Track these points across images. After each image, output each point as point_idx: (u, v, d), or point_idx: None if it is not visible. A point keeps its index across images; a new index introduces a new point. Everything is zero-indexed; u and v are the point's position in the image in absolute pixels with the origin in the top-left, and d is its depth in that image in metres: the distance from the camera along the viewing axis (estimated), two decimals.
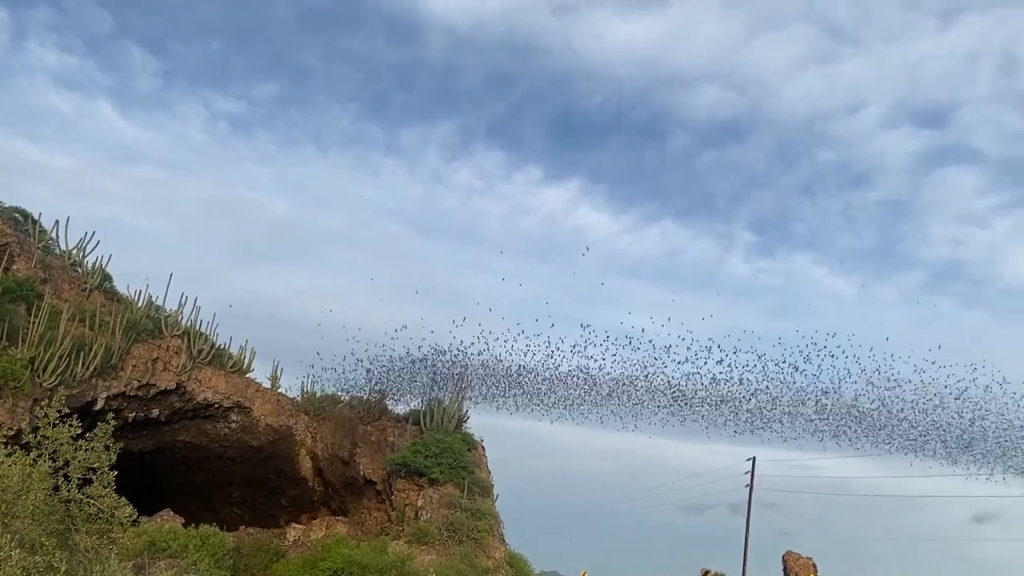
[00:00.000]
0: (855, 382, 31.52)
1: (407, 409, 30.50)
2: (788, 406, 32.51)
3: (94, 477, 13.30)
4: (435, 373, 30.58)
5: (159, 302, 26.36)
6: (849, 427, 32.91)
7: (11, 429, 18.96)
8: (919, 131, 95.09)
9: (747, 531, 44.83)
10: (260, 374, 28.73)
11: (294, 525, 27.15)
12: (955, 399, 30.34)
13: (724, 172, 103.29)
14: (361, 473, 28.32)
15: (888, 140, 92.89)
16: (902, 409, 31.59)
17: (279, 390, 29.23)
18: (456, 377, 30.38)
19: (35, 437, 13.34)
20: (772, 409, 32.81)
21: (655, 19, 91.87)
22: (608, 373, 32.03)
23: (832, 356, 31.07)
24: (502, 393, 31.64)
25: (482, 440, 29.29)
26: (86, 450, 13.35)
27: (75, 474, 13.09)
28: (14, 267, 23.59)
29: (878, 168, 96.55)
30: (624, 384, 32.16)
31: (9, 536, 10.55)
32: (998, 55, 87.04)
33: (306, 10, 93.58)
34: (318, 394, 30.45)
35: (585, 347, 31.45)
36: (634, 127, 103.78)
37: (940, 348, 30.04)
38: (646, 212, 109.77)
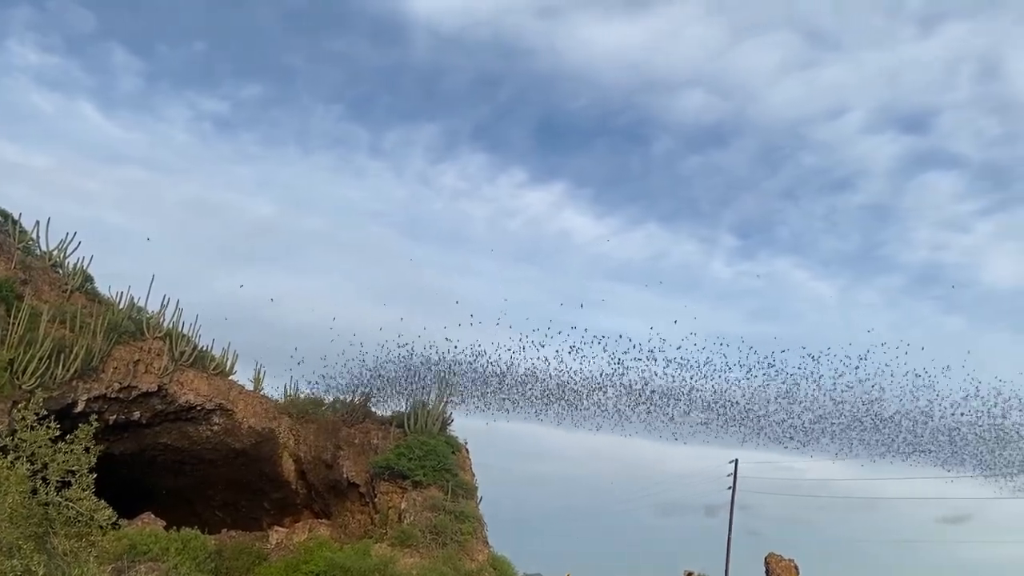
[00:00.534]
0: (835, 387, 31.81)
1: (391, 412, 30.42)
2: (764, 408, 32.72)
3: (73, 480, 13.21)
4: (419, 375, 30.54)
5: (141, 304, 26.16)
6: (826, 430, 33.15)
7: None
8: (901, 136, 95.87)
9: (729, 532, 45.07)
10: (243, 376, 28.61)
11: (277, 528, 27.00)
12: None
13: (708, 176, 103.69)
14: (344, 476, 28.21)
15: (870, 145, 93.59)
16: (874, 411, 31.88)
17: (262, 392, 29.07)
18: (440, 379, 30.35)
19: (12, 440, 13.22)
20: (750, 410, 33.00)
21: (640, 23, 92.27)
22: (592, 375, 32.09)
23: (814, 359, 31.32)
24: (486, 395, 31.60)
25: (466, 442, 29.28)
26: (65, 453, 13.26)
27: (54, 477, 13.01)
28: None
29: (861, 172, 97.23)
30: (608, 386, 32.20)
31: None
32: (977, 62, 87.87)
33: (291, 11, 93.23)
34: (301, 396, 30.30)
35: (571, 349, 31.53)
36: (618, 131, 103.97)
37: (923, 350, 30.35)
38: (630, 215, 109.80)
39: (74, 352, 21.82)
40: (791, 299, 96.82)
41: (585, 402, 32.58)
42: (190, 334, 26.56)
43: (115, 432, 24.43)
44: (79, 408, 22.28)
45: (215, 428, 27.24)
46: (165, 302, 26.27)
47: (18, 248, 24.38)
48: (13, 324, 20.99)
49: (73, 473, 13.16)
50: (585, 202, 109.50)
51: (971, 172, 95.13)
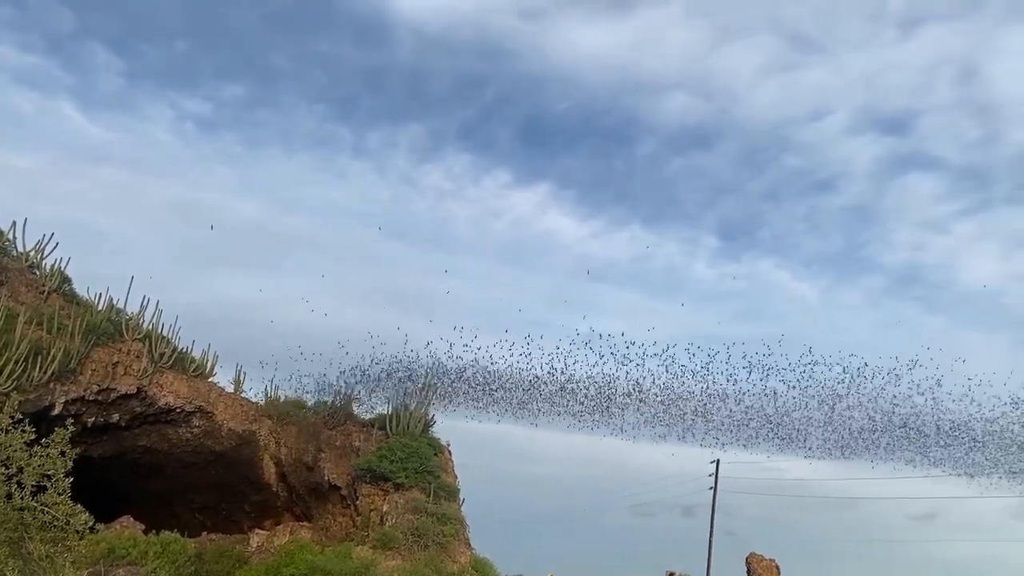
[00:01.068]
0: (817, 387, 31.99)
1: (373, 413, 30.27)
2: (742, 408, 32.91)
3: (49, 484, 13.06)
4: (401, 377, 30.43)
5: (120, 305, 25.94)
6: (806, 431, 33.39)
7: None
8: (882, 138, 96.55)
9: (711, 533, 45.28)
10: (223, 378, 28.40)
11: (257, 531, 26.86)
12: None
13: (692, 178, 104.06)
14: (326, 478, 28.08)
15: (852, 147, 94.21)
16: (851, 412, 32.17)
17: (242, 395, 28.88)
18: (423, 381, 30.25)
19: None
20: (730, 412, 33.18)
21: (623, 25, 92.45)
22: (575, 375, 32.11)
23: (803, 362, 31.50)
24: (468, 396, 31.55)
25: (448, 444, 29.20)
26: (41, 457, 13.11)
27: (29, 481, 12.85)
28: None
29: (842, 174, 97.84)
30: (590, 386, 32.23)
31: None
32: (956, 65, 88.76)
33: (273, 11, 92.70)
34: (282, 399, 30.13)
35: (555, 350, 31.55)
36: (603, 132, 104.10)
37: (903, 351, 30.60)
38: (614, 217, 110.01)
39: (51, 354, 21.60)
40: (774, 300, 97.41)
41: (566, 402, 32.60)
42: (170, 336, 26.40)
43: (93, 435, 24.21)
44: (56, 411, 22.06)
45: (195, 430, 27.05)
46: (145, 303, 26.10)
47: None
48: None
49: (49, 477, 13.02)
50: (569, 203, 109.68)
51: (951, 174, 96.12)
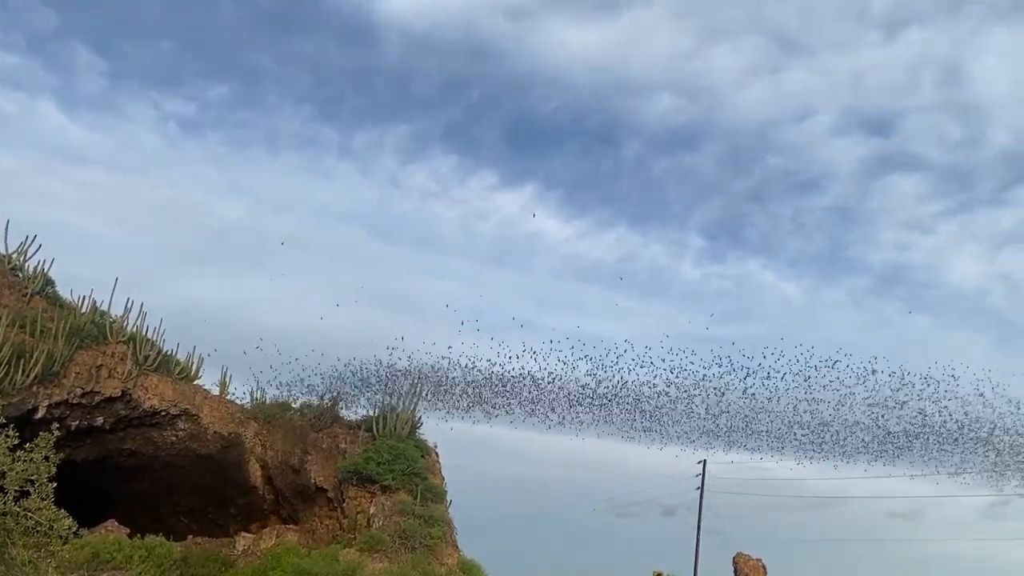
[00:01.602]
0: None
1: (359, 415, 30.19)
2: (726, 407, 33.11)
3: (32, 489, 12.95)
4: (388, 378, 30.39)
5: (104, 307, 25.74)
6: (789, 431, 33.62)
7: None
8: (866, 139, 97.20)
9: (698, 532, 45.45)
10: (208, 381, 28.26)
11: (243, 534, 26.72)
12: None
13: (677, 178, 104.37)
14: (312, 481, 27.97)
15: (837, 147, 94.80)
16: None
17: (228, 397, 28.73)
18: (410, 382, 30.22)
19: None
20: (714, 411, 33.38)
21: (609, 26, 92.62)
22: (561, 376, 32.20)
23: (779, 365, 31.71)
24: (455, 397, 31.57)
25: (435, 446, 29.15)
26: (24, 461, 12.99)
27: (12, 486, 12.73)
28: None
29: (827, 175, 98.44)
30: (576, 388, 32.33)
31: None
32: (939, 66, 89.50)
33: (258, 11, 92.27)
34: (268, 401, 29.99)
35: (541, 351, 31.64)
36: (588, 133, 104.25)
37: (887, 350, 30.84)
38: (600, 218, 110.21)
39: (34, 357, 21.44)
40: (760, 300, 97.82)
41: (553, 403, 32.70)
42: (155, 338, 26.24)
43: (77, 438, 24.02)
44: (40, 414, 21.89)
45: (180, 433, 26.90)
46: (129, 306, 25.94)
47: None
48: None
49: (32, 482, 12.90)
50: (555, 204, 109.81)
51: (935, 174, 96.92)
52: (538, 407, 32.64)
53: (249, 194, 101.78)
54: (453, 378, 31.39)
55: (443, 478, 28.15)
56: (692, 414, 33.58)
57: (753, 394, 32.42)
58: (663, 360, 32.37)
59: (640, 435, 34.55)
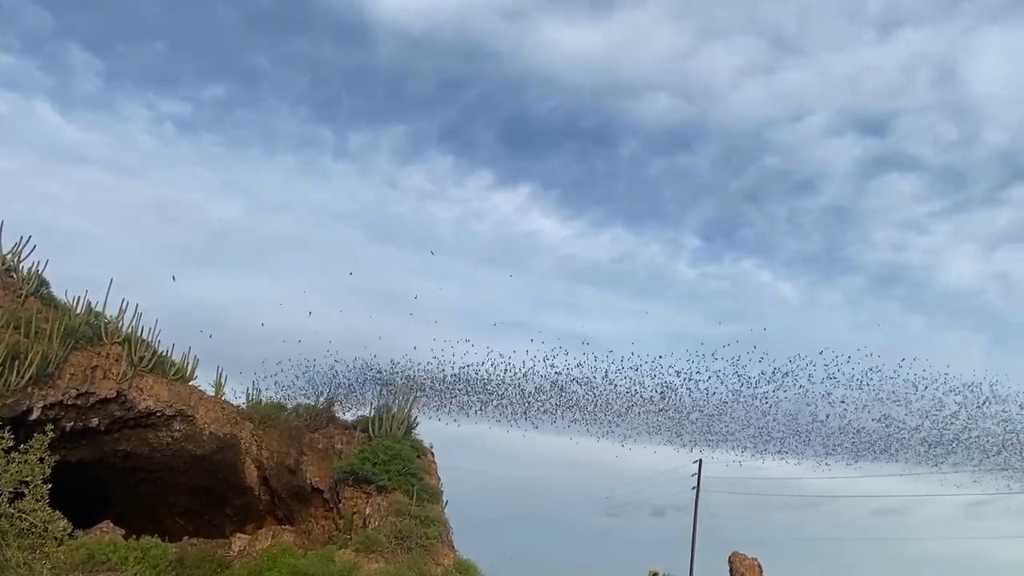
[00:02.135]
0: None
1: (355, 416, 30.20)
2: (719, 407, 33.19)
3: (27, 491, 12.93)
4: (384, 379, 30.39)
5: (99, 308, 25.68)
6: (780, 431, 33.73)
7: None
8: (861, 139, 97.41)
9: (694, 532, 45.52)
10: (204, 381, 28.22)
11: (239, 535, 26.69)
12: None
13: (673, 178, 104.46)
14: (308, 481, 27.96)
15: (832, 148, 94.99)
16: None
17: (223, 398, 28.70)
18: (406, 383, 30.23)
19: None
20: (708, 412, 33.45)
21: (605, 26, 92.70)
22: (557, 377, 32.20)
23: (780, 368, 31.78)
24: (452, 398, 31.58)
25: (431, 446, 29.17)
26: (19, 463, 12.97)
27: (6, 488, 12.71)
28: None
29: (823, 175, 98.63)
30: (572, 388, 32.34)
31: None
32: (934, 66, 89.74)
33: (253, 12, 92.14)
34: (264, 401, 29.98)
35: (538, 351, 31.67)
36: (585, 133, 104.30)
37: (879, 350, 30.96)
38: (596, 218, 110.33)
39: (29, 358, 21.38)
40: (756, 300, 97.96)
41: (550, 403, 32.71)
42: (150, 339, 26.18)
43: (72, 439, 23.98)
44: (34, 415, 21.83)
45: (176, 434, 26.84)
46: (124, 306, 25.90)
47: None
48: None
49: (27, 484, 12.87)
50: (552, 204, 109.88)
51: (929, 174, 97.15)
52: (535, 407, 32.62)
53: (245, 194, 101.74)
54: (448, 378, 31.41)
55: (439, 478, 28.18)
56: (691, 414, 33.62)
57: (752, 394, 32.45)
58: (661, 360, 32.42)
59: (637, 435, 34.59)
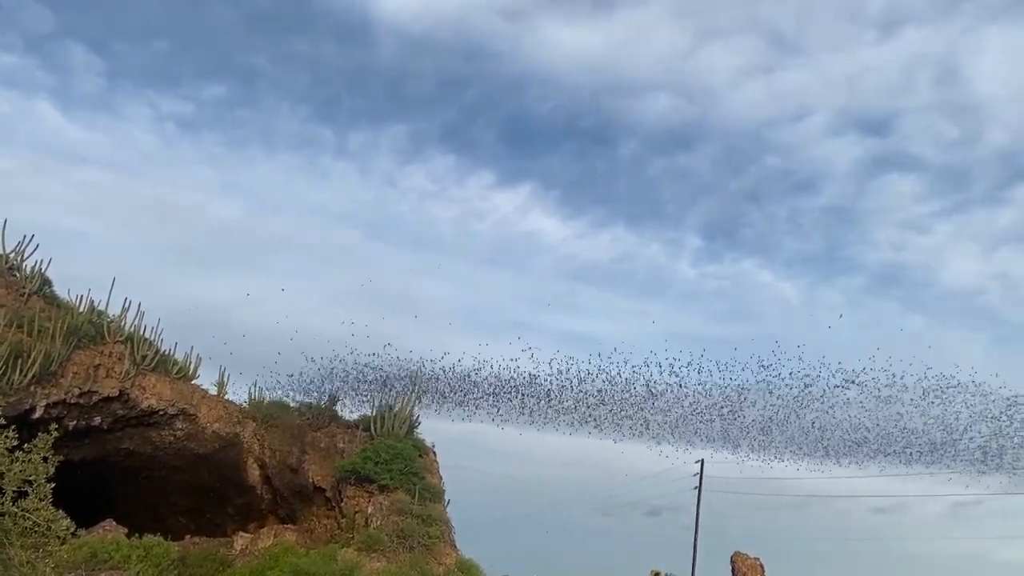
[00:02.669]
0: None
1: (357, 415, 30.21)
2: (718, 406, 33.20)
3: (30, 490, 12.95)
4: (386, 379, 30.40)
5: (101, 307, 25.72)
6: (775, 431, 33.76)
7: None
8: (862, 139, 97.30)
9: (696, 531, 45.47)
10: (206, 380, 28.24)
11: (241, 534, 26.70)
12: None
13: (673, 178, 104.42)
14: (310, 480, 27.99)
15: (833, 147, 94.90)
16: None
17: (226, 397, 28.72)
18: (408, 382, 30.23)
19: None
20: (708, 411, 33.47)
21: (605, 26, 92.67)
22: (557, 376, 32.20)
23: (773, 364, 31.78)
24: (452, 397, 31.59)
25: (433, 445, 29.17)
26: (23, 462, 12.99)
27: (10, 487, 12.72)
28: None
29: (823, 175, 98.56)
30: (573, 387, 32.35)
31: None
32: (936, 66, 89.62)
33: (254, 11, 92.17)
34: (266, 401, 29.98)
35: (538, 351, 31.66)
36: (585, 133, 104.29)
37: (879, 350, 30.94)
38: (597, 218, 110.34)
39: (32, 357, 21.42)
40: (756, 300, 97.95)
41: (550, 403, 32.70)
42: (152, 338, 26.22)
43: (75, 438, 24.00)
44: (37, 414, 21.88)
45: (178, 433, 26.89)
46: (126, 305, 25.93)
47: None
48: None
49: (30, 483, 12.90)
50: (553, 204, 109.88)
51: (931, 174, 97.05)
52: (534, 406, 32.62)
53: (246, 194, 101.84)
54: (449, 378, 31.41)
55: (441, 477, 28.18)
56: (690, 414, 33.61)
57: (750, 393, 32.46)
58: (661, 359, 32.40)
59: (637, 435, 34.57)
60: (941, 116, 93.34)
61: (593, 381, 32.41)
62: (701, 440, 35.13)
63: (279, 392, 30.35)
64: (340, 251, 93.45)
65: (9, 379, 20.74)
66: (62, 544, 13.83)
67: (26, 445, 13.11)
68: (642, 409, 33.21)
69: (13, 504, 12.76)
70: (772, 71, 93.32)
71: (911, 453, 32.86)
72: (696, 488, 46.49)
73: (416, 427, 29.44)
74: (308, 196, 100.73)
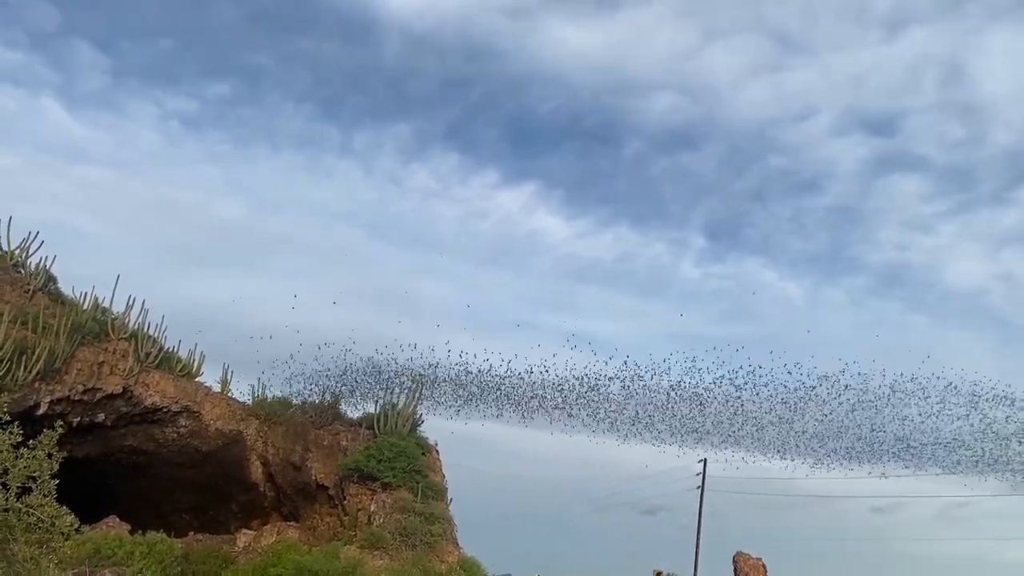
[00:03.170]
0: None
1: (360, 413, 30.25)
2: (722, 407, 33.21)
3: (34, 486, 13.00)
4: (389, 377, 30.41)
5: (106, 305, 25.79)
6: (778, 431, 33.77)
7: None
8: (867, 139, 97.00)
9: (699, 531, 45.42)
10: (210, 378, 28.31)
11: (244, 531, 26.77)
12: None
13: (677, 178, 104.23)
14: (313, 478, 28.02)
15: (837, 147, 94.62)
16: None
17: (229, 394, 28.78)
18: (411, 380, 30.24)
19: None
20: (711, 411, 33.47)
21: (609, 26, 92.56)
22: (560, 376, 32.20)
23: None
24: (455, 396, 31.59)
25: (436, 443, 29.19)
26: (27, 458, 13.04)
27: (14, 483, 12.77)
28: None
29: (828, 175, 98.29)
30: (575, 387, 32.34)
31: None
32: (941, 66, 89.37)
33: (258, 10, 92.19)
34: (269, 398, 30.03)
35: (541, 350, 31.68)
36: (589, 132, 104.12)
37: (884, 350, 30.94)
38: (601, 217, 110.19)
39: (36, 353, 21.48)
40: (760, 300, 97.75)
41: (553, 403, 32.71)
42: (156, 335, 26.29)
43: (79, 434, 24.08)
44: (42, 410, 21.95)
45: (181, 430, 26.95)
46: (130, 303, 25.99)
47: None
48: None
49: (34, 479, 12.95)
50: (556, 203, 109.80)
51: (935, 174, 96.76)
52: (538, 405, 32.62)
53: (249, 193, 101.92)
54: (452, 377, 31.41)
55: (444, 476, 28.20)
56: (690, 414, 33.60)
57: (756, 396, 32.45)
58: (662, 360, 32.42)
59: (641, 434, 34.56)
60: (946, 116, 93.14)
61: (599, 381, 32.40)
62: (706, 439, 35.08)
63: (282, 389, 30.41)
64: (342, 250, 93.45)
65: (14, 375, 20.81)
66: (66, 540, 13.88)
67: (30, 441, 13.15)
68: (648, 409, 33.21)
69: (17, 500, 12.81)
70: (776, 71, 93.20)
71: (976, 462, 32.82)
72: (699, 488, 46.45)
73: (419, 425, 29.47)
74: (310, 195, 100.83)
